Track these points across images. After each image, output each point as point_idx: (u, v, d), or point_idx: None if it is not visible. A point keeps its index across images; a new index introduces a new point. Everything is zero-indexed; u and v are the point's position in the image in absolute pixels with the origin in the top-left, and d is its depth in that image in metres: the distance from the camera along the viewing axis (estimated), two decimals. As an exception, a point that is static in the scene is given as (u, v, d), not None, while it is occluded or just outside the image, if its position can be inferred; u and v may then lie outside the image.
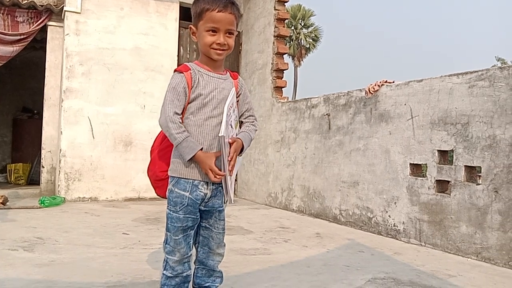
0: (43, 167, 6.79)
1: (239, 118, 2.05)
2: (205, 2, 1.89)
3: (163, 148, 2.05)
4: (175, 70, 1.92)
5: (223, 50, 1.91)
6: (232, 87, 1.99)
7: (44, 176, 6.78)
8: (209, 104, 1.90)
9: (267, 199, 6.56)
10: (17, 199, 6.12)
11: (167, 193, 1.96)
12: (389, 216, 4.38)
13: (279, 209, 6.14)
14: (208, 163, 1.83)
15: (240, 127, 2.04)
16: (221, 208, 1.99)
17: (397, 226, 4.28)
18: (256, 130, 2.06)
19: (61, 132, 6.25)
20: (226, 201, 2.02)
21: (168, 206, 1.94)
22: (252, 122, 2.06)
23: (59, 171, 6.21)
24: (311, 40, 37.34)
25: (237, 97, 2.04)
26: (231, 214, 5.41)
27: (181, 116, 1.88)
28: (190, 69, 1.91)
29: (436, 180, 3.92)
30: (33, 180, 8.33)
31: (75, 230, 4.20)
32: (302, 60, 37.31)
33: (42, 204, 5.55)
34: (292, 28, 36.07)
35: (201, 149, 1.86)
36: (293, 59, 36.82)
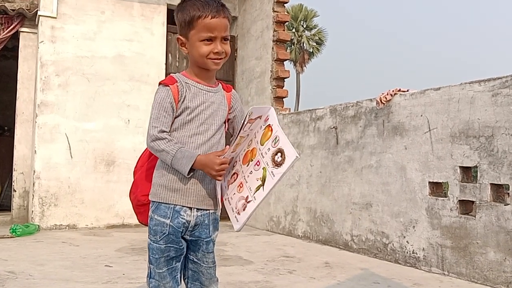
0: (15, 191, 6.77)
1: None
2: (194, 9, 1.88)
3: (147, 169, 2.05)
4: (160, 83, 1.92)
5: (221, 58, 1.92)
6: (223, 101, 2.00)
7: (15, 201, 6.76)
8: (195, 119, 1.90)
9: (269, 224, 6.54)
10: (-15, 228, 6.10)
11: (148, 220, 1.95)
12: (407, 241, 4.37)
13: (282, 235, 6.12)
14: (211, 164, 1.81)
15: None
16: (208, 239, 1.97)
17: (416, 253, 4.27)
18: None
19: (35, 151, 6.26)
20: (217, 230, 2.01)
21: (148, 236, 1.93)
22: None
23: (33, 195, 6.20)
24: (314, 44, 37.63)
25: (229, 112, 2.04)
26: (228, 241, 5.40)
27: (169, 133, 1.88)
28: (176, 81, 1.90)
29: (459, 200, 3.92)
30: (3, 205, 8.27)
31: (51, 263, 4.17)
32: (305, 66, 37.55)
33: (14, 233, 5.53)
34: (293, 30, 36.38)
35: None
36: (295, 65, 37.06)
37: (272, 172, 1.84)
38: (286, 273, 4.00)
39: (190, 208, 1.90)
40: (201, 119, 1.91)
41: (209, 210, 1.95)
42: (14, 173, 6.82)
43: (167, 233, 1.88)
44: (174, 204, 1.89)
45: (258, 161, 1.90)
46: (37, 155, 6.24)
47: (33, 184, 6.22)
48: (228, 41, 1.95)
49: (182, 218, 1.89)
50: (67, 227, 6.28)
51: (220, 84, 2.04)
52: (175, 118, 1.90)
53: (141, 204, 2.05)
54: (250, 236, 5.98)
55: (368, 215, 4.84)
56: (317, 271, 4.09)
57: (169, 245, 1.89)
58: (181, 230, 1.90)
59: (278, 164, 1.84)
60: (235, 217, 1.91)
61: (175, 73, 1.98)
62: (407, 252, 4.36)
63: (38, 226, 6.02)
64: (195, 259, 1.99)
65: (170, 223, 1.88)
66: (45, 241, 5.30)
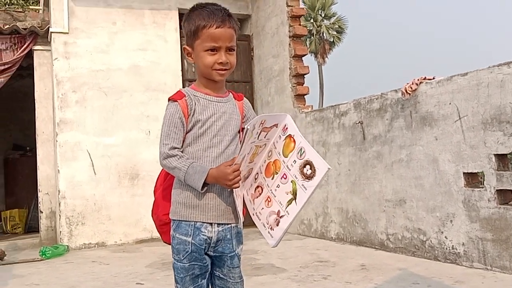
0: (42, 212, 6.94)
1: None
2: (200, 19, 1.93)
3: (165, 188, 2.09)
4: (168, 99, 1.97)
5: (226, 69, 1.95)
6: (235, 110, 2.02)
7: (43, 223, 6.92)
8: (208, 131, 1.93)
9: (300, 227, 6.54)
10: (15, 252, 6.28)
11: (170, 239, 1.99)
12: (445, 237, 4.32)
13: (314, 239, 6.12)
14: (224, 175, 1.83)
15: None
16: (232, 254, 1.99)
17: (456, 249, 4.21)
18: None
19: (58, 170, 6.40)
20: (241, 243, 2.03)
21: (172, 255, 1.98)
22: None
23: (60, 216, 6.35)
24: (335, 33, 37.28)
25: (243, 121, 2.06)
26: (259, 249, 5.42)
27: (181, 149, 1.92)
28: (185, 96, 1.94)
29: (497, 190, 3.85)
30: (31, 227, 8.49)
31: (82, 284, 4.27)
32: (327, 56, 37.26)
33: (44, 256, 5.67)
34: (312, 21, 36.15)
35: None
36: (316, 56, 36.82)
37: (303, 185, 1.85)
38: (321, 279, 4.00)
39: (211, 224, 1.93)
40: (213, 131, 1.94)
41: (230, 224, 1.97)
42: (39, 194, 6.98)
43: (189, 251, 1.92)
44: (195, 221, 1.92)
45: (284, 174, 1.91)
46: (61, 175, 6.38)
47: (59, 204, 6.36)
48: (234, 52, 1.98)
49: (203, 234, 1.92)
50: (96, 245, 6.40)
51: (230, 94, 2.07)
52: (187, 133, 1.94)
53: (163, 223, 2.09)
54: (282, 242, 5.90)
55: (403, 211, 4.79)
56: (353, 274, 4.08)
57: (192, 263, 1.93)
58: (203, 247, 1.94)
59: (308, 177, 1.84)
60: (269, 232, 1.93)
61: (184, 88, 2.02)
62: (446, 248, 4.30)
63: (67, 246, 6.16)
64: (221, 275, 2.02)
65: (192, 241, 1.92)
66: (75, 262, 5.43)
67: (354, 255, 4.91)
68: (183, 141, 1.94)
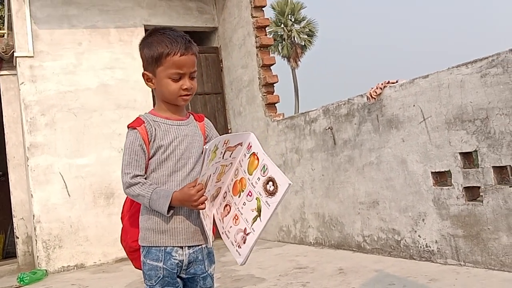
0: (18, 238, 6.86)
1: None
2: (162, 46, 1.92)
3: (133, 214, 2.09)
4: (128, 127, 1.96)
5: (189, 94, 1.97)
6: (196, 131, 2.04)
7: (20, 248, 6.83)
8: (171, 156, 1.94)
9: (279, 234, 6.57)
10: (-8, 281, 6.17)
11: (141, 265, 2.00)
12: (419, 236, 4.40)
13: (294, 245, 6.16)
14: (188, 196, 1.84)
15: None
16: (205, 274, 2.01)
17: (429, 247, 4.29)
18: None
19: (32, 195, 6.32)
20: (213, 265, 2.05)
21: (144, 281, 1.97)
22: None
23: (36, 240, 6.27)
24: (305, 36, 37.67)
25: (206, 142, 2.07)
26: (239, 260, 5.43)
27: (144, 176, 1.93)
28: (144, 122, 1.94)
29: (464, 188, 3.94)
30: (9, 252, 8.40)
31: (61, 310, 4.23)
32: (299, 60, 37.60)
33: (22, 282, 5.59)
34: (282, 26, 36.46)
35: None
36: (288, 61, 37.11)
37: (266, 201, 1.89)
38: (300, 286, 4.03)
39: (181, 247, 1.94)
40: (177, 155, 1.95)
41: (201, 245, 1.99)
42: (14, 219, 6.90)
43: (161, 276, 1.93)
44: (165, 246, 1.93)
45: (249, 191, 1.95)
46: (34, 199, 6.30)
47: (34, 228, 6.28)
48: (195, 78, 2.00)
49: (174, 259, 1.93)
50: (75, 267, 6.33)
51: (191, 115, 2.09)
52: (150, 159, 1.94)
53: (133, 250, 2.09)
54: (262, 250, 6.01)
55: (376, 213, 4.87)
56: (331, 280, 4.12)
57: (165, 287, 1.94)
58: (175, 271, 1.95)
59: (271, 193, 1.89)
60: (237, 250, 1.95)
61: (142, 114, 2.02)
62: (420, 247, 4.38)
63: (46, 271, 6.07)
64: None
65: (164, 266, 1.92)
66: (54, 286, 5.36)
67: (332, 259, 4.96)
68: (147, 168, 1.95)
